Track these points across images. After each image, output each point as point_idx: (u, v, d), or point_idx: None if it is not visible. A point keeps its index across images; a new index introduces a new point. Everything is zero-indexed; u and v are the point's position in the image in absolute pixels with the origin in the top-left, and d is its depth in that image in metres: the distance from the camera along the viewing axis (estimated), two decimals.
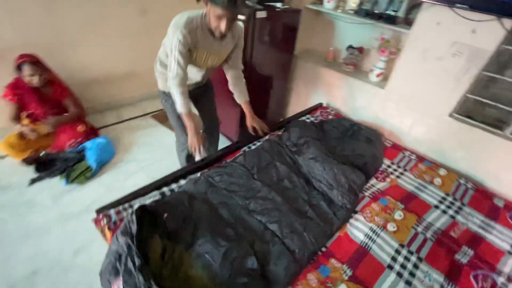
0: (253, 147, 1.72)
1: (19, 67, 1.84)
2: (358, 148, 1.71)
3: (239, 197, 1.32)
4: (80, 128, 2.16)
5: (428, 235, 1.30)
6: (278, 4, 1.88)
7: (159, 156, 2.26)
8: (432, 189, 1.58)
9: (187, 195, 1.28)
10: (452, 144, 1.75)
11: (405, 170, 1.71)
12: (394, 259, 1.18)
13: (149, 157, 2.25)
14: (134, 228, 1.00)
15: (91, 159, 2.00)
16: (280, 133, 1.87)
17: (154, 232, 1.09)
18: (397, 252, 1.20)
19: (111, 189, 1.92)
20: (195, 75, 1.51)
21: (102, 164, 2.09)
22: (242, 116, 2.16)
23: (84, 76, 2.47)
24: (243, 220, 1.22)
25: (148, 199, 1.25)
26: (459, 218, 1.42)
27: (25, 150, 2.01)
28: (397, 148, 1.89)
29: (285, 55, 2.18)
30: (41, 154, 2.02)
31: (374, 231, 1.27)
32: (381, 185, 1.58)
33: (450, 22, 1.50)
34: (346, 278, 1.09)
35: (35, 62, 1.88)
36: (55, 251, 1.52)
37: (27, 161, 1.98)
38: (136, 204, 1.16)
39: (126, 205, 1.22)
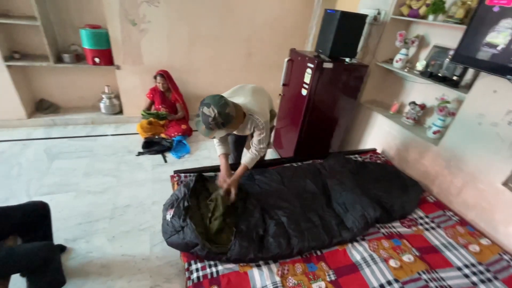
0: (295, 165, 2.06)
1: (155, 77, 2.98)
2: (389, 191, 1.80)
3: (266, 192, 1.69)
4: (183, 126, 3.04)
5: (433, 285, 1.28)
6: (347, 59, 2.27)
7: None
8: (462, 252, 1.50)
9: None
10: (506, 217, 1.60)
11: (438, 226, 1.67)
12: (382, 286, 1.25)
13: None
14: (191, 184, 1.53)
15: (174, 150, 2.86)
16: (322, 161, 2.15)
17: (203, 191, 1.60)
18: (389, 283, 1.26)
19: None
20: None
21: (181, 155, 2.85)
22: (299, 142, 2.54)
23: (195, 92, 3.49)
24: (263, 207, 1.58)
25: (206, 174, 1.79)
26: (482, 287, 1.32)
27: (148, 132, 2.99)
28: (439, 206, 1.84)
29: (348, 100, 2.48)
30: (156, 137, 2.95)
31: (373, 259, 1.38)
32: (402, 230, 1.62)
33: (506, 91, 1.53)
34: (328, 279, 1.27)
35: (164, 75, 2.98)
36: (142, 198, 2.22)
37: (146, 139, 2.93)
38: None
39: (192, 174, 1.78)
